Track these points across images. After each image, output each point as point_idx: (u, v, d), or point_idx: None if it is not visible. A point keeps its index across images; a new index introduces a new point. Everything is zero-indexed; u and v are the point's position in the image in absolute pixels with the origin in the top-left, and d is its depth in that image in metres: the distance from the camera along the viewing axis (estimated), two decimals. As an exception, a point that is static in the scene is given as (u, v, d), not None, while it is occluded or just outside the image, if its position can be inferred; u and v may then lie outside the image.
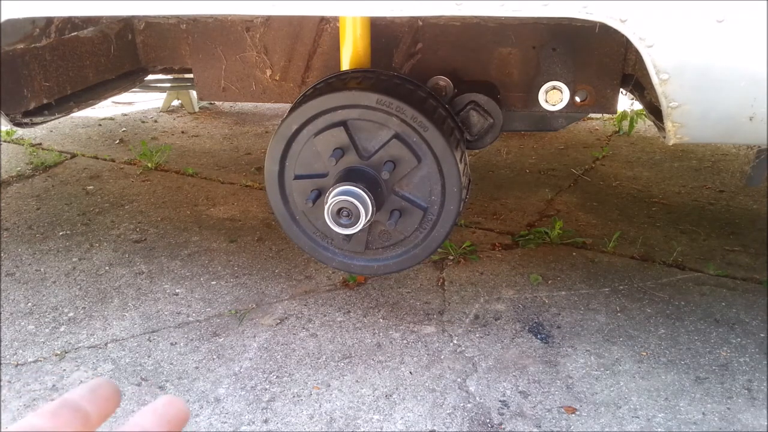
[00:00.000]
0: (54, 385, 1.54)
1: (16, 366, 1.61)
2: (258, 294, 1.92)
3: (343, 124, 1.42)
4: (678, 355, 1.64)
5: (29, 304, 1.87)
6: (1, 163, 2.98)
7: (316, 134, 1.44)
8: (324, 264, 1.61)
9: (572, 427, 1.41)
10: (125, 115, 3.81)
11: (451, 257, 2.10)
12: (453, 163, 1.41)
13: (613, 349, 1.66)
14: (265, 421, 1.43)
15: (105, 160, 3.04)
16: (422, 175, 1.44)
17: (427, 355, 1.65)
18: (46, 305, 1.86)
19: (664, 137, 1.29)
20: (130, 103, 3.98)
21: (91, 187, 2.72)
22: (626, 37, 1.09)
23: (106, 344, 1.69)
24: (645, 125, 3.35)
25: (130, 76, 2.03)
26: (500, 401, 1.49)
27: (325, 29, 1.77)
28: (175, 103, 3.90)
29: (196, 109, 3.85)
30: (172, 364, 1.62)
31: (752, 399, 1.49)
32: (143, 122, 3.68)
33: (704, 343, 1.68)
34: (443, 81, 1.58)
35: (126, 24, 1.93)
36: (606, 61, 1.63)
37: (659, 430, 1.40)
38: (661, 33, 1.08)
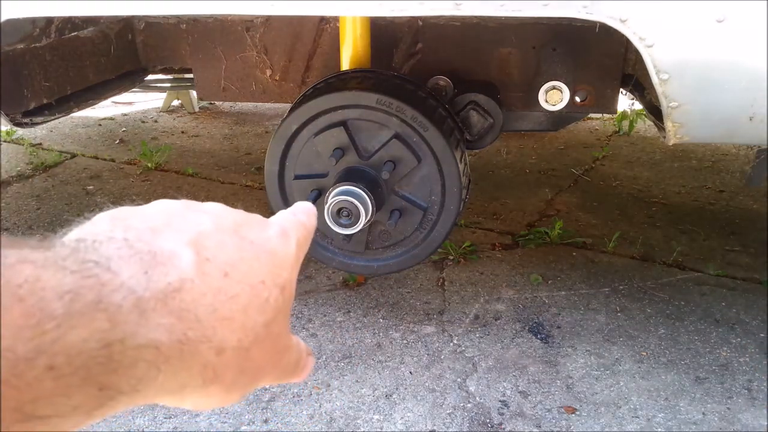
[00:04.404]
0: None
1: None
2: (258, 294, 1.92)
3: (343, 124, 1.42)
4: (678, 355, 1.64)
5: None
6: (1, 163, 2.98)
7: (316, 134, 1.44)
8: (324, 264, 1.61)
9: (572, 427, 1.41)
10: (125, 115, 3.81)
11: (451, 257, 2.10)
12: (453, 163, 1.41)
13: (613, 349, 1.66)
14: (265, 421, 1.43)
15: (105, 160, 3.03)
16: (422, 175, 1.44)
17: (427, 355, 1.65)
18: (46, 305, 1.86)
19: (664, 137, 1.29)
20: (130, 103, 3.97)
21: (91, 187, 2.72)
22: (626, 37, 1.09)
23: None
24: (645, 125, 3.35)
25: (130, 76, 2.02)
26: (500, 401, 1.49)
27: (325, 29, 1.77)
28: (175, 103, 3.90)
29: (196, 109, 3.84)
30: (172, 364, 1.62)
31: (752, 399, 1.49)
32: (143, 122, 3.68)
33: (704, 343, 1.68)
34: (443, 81, 1.58)
35: (126, 24, 1.93)
36: (606, 61, 1.63)
37: (659, 430, 1.40)
38: (661, 33, 1.08)
